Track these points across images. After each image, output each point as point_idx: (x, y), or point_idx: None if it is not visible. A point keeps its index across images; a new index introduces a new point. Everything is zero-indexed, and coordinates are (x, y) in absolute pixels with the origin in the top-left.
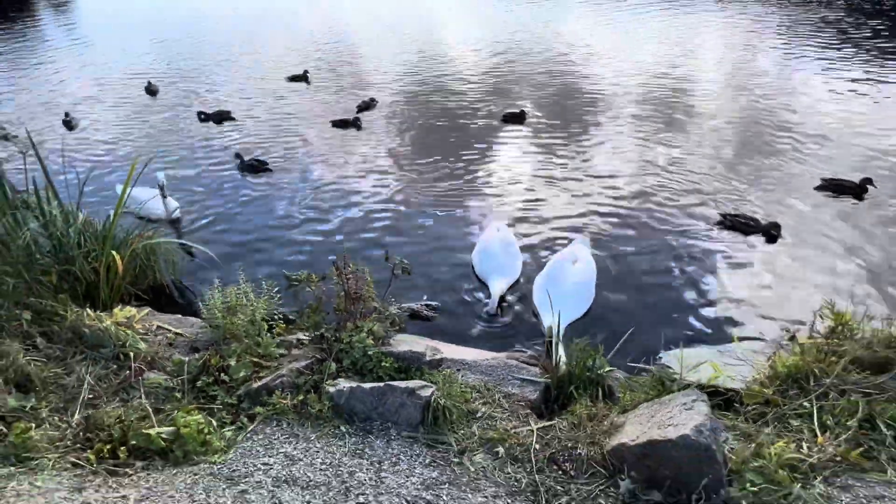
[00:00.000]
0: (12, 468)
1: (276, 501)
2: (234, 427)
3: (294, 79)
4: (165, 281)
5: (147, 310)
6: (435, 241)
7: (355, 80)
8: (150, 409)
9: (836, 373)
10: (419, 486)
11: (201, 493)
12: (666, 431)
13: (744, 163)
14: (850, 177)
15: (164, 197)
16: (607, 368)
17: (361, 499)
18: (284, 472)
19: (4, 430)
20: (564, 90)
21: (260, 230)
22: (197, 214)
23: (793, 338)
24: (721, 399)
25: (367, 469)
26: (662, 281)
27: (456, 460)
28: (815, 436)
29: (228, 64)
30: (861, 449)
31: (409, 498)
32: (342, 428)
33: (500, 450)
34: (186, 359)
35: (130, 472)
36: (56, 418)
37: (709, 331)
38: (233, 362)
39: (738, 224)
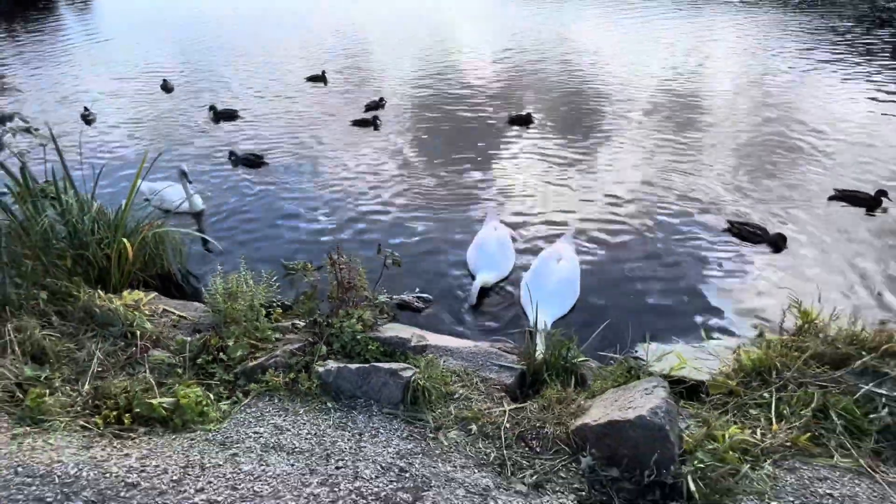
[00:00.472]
0: (28, 428)
1: (264, 463)
2: (229, 401)
3: (313, 79)
4: (172, 269)
5: (154, 294)
6: (433, 237)
7: (368, 80)
8: (154, 383)
9: (797, 367)
10: (394, 455)
11: (196, 455)
12: (626, 413)
13: (755, 170)
14: (865, 188)
15: (188, 185)
16: (581, 358)
17: (340, 463)
18: (273, 440)
19: (21, 395)
20: (572, 94)
21: (263, 223)
22: (204, 206)
23: (761, 334)
24: (684, 388)
25: (348, 440)
26: (654, 281)
27: (431, 436)
28: (771, 423)
29: (243, 63)
30: (809, 434)
31: (383, 464)
32: (329, 404)
33: (473, 427)
34: (188, 339)
35: (134, 436)
36: (68, 388)
37: (690, 329)
38: (231, 343)
39: (745, 232)
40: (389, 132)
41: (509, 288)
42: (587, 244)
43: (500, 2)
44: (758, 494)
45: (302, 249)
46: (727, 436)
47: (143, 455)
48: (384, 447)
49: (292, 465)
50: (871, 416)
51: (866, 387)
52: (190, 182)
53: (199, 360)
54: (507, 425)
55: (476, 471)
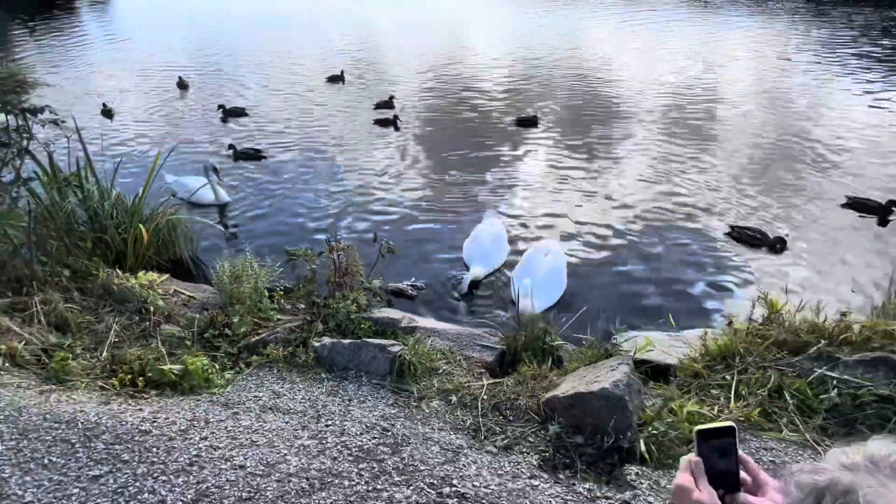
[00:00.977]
0: (53, 386)
1: (261, 420)
2: (233, 371)
3: (332, 79)
4: (184, 255)
5: (166, 276)
6: (433, 231)
7: (381, 79)
8: (165, 353)
9: (759, 352)
10: (379, 418)
11: (202, 412)
12: (591, 386)
13: (763, 176)
14: (877, 196)
15: (216, 180)
16: (559, 342)
17: (329, 422)
18: (270, 403)
19: (46, 360)
20: (580, 98)
21: (273, 213)
22: (229, 199)
23: (730, 323)
24: (648, 368)
25: (338, 404)
26: (645, 279)
27: (415, 404)
28: (730, 402)
29: (260, 61)
30: (761, 410)
31: (368, 424)
32: (323, 374)
33: (454, 398)
34: (197, 316)
35: (146, 396)
36: (88, 354)
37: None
38: (236, 320)
39: (746, 236)
40: (398, 131)
41: (502, 280)
42: (583, 243)
43: (512, 6)
44: None
45: (308, 238)
46: (684, 409)
47: (155, 410)
48: (370, 411)
49: (286, 423)
50: (822, 396)
51: (820, 370)
52: (219, 177)
53: (206, 335)
54: (485, 397)
55: (452, 434)
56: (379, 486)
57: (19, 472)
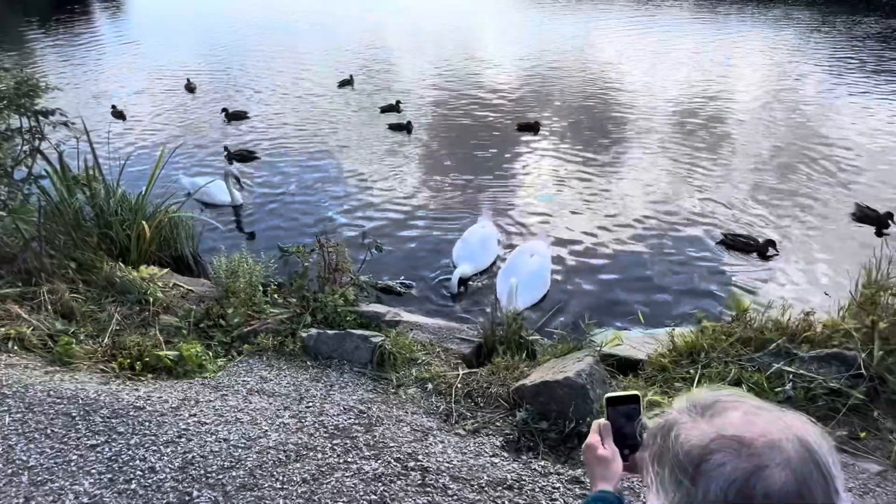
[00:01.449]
0: (58, 368)
1: (247, 401)
2: (225, 358)
3: (343, 84)
4: (186, 251)
5: (167, 270)
6: (429, 232)
7: (390, 84)
8: (162, 340)
9: (722, 348)
10: (357, 402)
11: (193, 393)
12: (556, 376)
13: (765, 184)
14: (882, 205)
15: (235, 185)
16: (534, 336)
17: (310, 404)
18: (257, 386)
19: (52, 345)
20: (585, 103)
21: (276, 214)
22: (243, 201)
23: (699, 321)
24: (615, 362)
25: (320, 388)
26: (629, 282)
27: (392, 390)
28: None
29: (267, 65)
30: None
31: (346, 406)
32: (308, 362)
33: (430, 386)
34: (194, 307)
35: (143, 379)
36: (90, 341)
37: (650, 320)
38: (230, 311)
39: (739, 244)
40: (403, 136)
41: (490, 279)
42: (574, 245)
43: (522, 11)
44: None
45: (311, 236)
46: (645, 399)
47: (150, 390)
48: (349, 395)
49: (270, 404)
50: (777, 389)
51: (778, 365)
52: (240, 185)
53: (201, 325)
54: (459, 385)
55: (424, 417)
56: (349, 459)
57: (24, 441)
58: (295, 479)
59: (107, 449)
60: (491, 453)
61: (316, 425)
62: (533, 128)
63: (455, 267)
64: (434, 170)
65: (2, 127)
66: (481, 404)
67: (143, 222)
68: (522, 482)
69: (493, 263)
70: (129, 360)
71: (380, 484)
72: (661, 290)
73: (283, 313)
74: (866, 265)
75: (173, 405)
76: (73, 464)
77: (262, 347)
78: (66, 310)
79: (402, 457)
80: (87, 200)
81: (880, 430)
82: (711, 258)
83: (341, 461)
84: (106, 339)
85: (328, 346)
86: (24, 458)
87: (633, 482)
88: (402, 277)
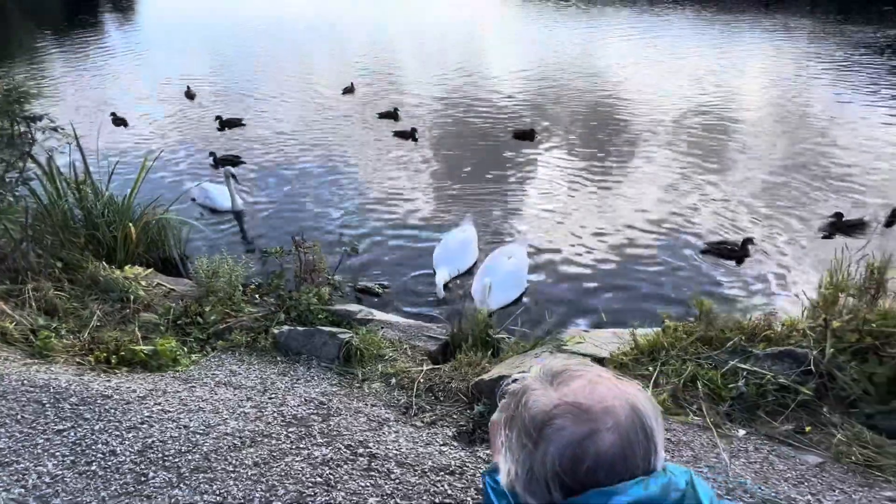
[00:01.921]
0: (37, 360)
1: (213, 392)
2: (200, 353)
3: (345, 91)
4: (173, 253)
5: (151, 270)
6: (414, 236)
7: (390, 91)
8: (139, 336)
9: (682, 346)
10: (319, 394)
11: (163, 385)
12: (513, 371)
13: (758, 193)
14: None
15: (233, 186)
16: (500, 335)
17: (273, 396)
18: (225, 379)
19: (34, 339)
20: (583, 110)
21: (271, 219)
22: (244, 207)
23: (663, 321)
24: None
25: (286, 382)
26: (606, 284)
27: (357, 385)
28: (648, 390)
29: (268, 74)
30: (672, 397)
31: (307, 398)
32: (278, 357)
33: (393, 380)
34: (173, 305)
35: (118, 372)
36: (71, 336)
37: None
38: (208, 309)
39: (723, 251)
40: (399, 143)
41: (469, 281)
42: (556, 249)
43: (527, 19)
44: None
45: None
46: None
47: (121, 381)
48: (313, 388)
49: (234, 395)
50: (731, 385)
51: (733, 362)
52: (237, 181)
53: (179, 322)
54: (422, 380)
55: (384, 409)
56: (301, 446)
57: None
58: (247, 462)
59: (72, 434)
60: (442, 443)
61: (275, 415)
62: (529, 135)
63: (435, 271)
64: (432, 176)
65: None
66: (441, 398)
67: (130, 224)
68: (465, 468)
69: (474, 266)
70: (105, 354)
71: (326, 468)
72: (637, 296)
73: (259, 311)
74: (830, 267)
75: (141, 395)
76: (39, 447)
77: (236, 343)
78: (49, 306)
79: (353, 444)
80: (75, 203)
81: (826, 424)
82: (692, 266)
83: (293, 447)
84: (86, 335)
85: (298, 342)
86: None
87: None
88: (383, 279)
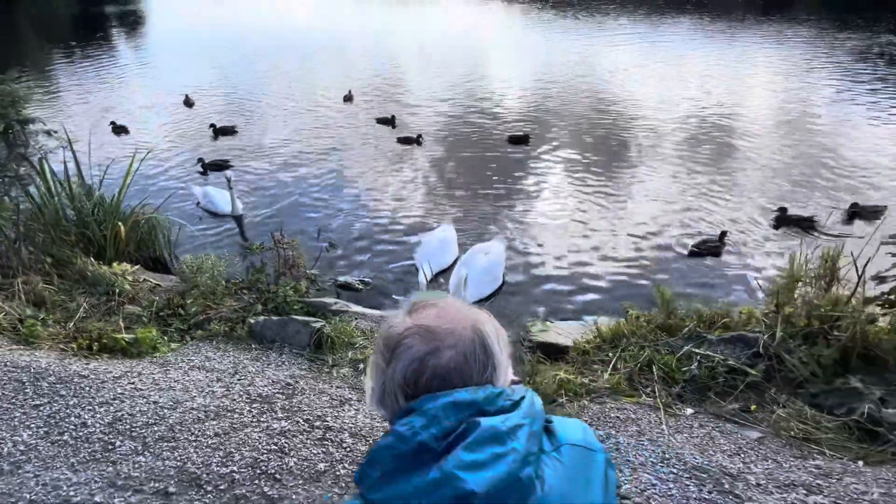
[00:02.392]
0: (22, 346)
1: (186, 375)
2: (180, 343)
3: (345, 99)
4: (163, 252)
5: (138, 266)
6: (398, 236)
7: (388, 100)
8: (122, 326)
9: (641, 334)
10: (287, 377)
11: (139, 368)
12: None
13: (752, 195)
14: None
15: (233, 191)
16: None
17: (242, 377)
18: (199, 364)
19: (21, 329)
20: (580, 117)
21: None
22: (243, 212)
23: (627, 311)
24: (537, 347)
25: (258, 366)
26: (582, 281)
27: (326, 370)
28: (605, 374)
29: (268, 83)
30: (628, 380)
31: (275, 380)
32: (253, 345)
33: (361, 366)
34: (157, 298)
35: (99, 358)
36: (57, 326)
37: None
38: (189, 301)
39: (709, 248)
40: (398, 148)
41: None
42: (539, 247)
43: (527, 27)
44: (566, 416)
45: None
46: (557, 376)
47: (99, 365)
48: (283, 372)
49: (206, 377)
50: (684, 369)
51: (688, 347)
52: (231, 188)
53: (161, 314)
54: None
55: (348, 391)
56: (262, 419)
57: None
58: (208, 433)
59: (48, 408)
60: None
61: (241, 394)
62: (523, 140)
63: (419, 269)
64: (428, 180)
65: None
66: None
67: (119, 223)
68: None
69: (454, 264)
70: (87, 342)
71: (283, 437)
72: (617, 296)
73: (239, 304)
74: (791, 258)
75: (116, 375)
76: (16, 419)
77: (214, 333)
78: (38, 299)
79: (311, 418)
80: (66, 202)
81: (771, 403)
82: (674, 267)
83: (254, 420)
84: (71, 325)
85: (272, 331)
86: None
87: None
88: (367, 276)
